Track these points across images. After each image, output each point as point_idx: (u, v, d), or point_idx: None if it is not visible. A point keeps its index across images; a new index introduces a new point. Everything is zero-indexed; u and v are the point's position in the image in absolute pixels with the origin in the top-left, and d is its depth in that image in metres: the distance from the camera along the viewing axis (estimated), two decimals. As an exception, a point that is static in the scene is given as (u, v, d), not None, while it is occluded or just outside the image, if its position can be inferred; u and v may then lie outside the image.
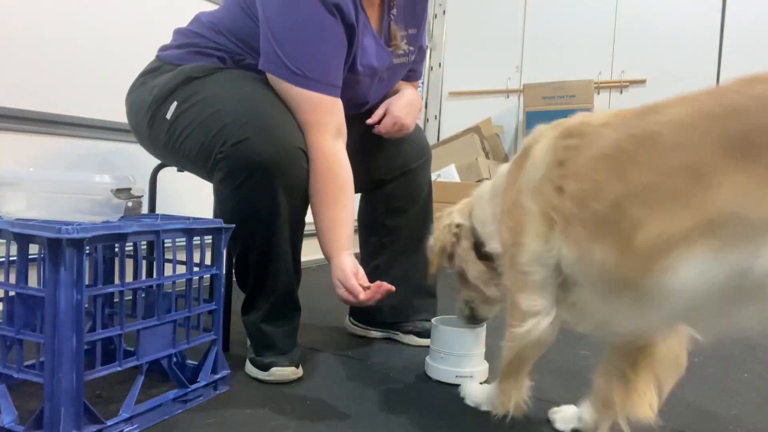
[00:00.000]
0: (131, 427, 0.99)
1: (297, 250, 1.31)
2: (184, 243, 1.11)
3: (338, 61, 1.28)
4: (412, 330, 1.63)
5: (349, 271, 1.22)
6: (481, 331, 1.36)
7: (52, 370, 0.87)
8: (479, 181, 3.21)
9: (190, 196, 2.01)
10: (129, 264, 1.01)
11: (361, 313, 1.68)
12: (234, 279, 1.37)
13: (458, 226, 1.23)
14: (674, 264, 0.77)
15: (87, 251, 0.91)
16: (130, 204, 1.08)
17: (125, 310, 0.99)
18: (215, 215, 1.33)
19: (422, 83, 3.95)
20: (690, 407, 1.25)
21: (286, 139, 1.20)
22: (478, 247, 1.20)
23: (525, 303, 0.99)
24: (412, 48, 1.50)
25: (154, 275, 1.06)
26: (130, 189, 1.08)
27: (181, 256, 1.15)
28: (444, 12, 3.98)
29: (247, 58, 1.34)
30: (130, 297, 1.03)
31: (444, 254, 1.25)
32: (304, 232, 1.34)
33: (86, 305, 0.92)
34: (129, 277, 1.00)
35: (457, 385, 1.30)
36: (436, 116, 4.01)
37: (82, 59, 1.82)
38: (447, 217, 1.26)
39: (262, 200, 1.21)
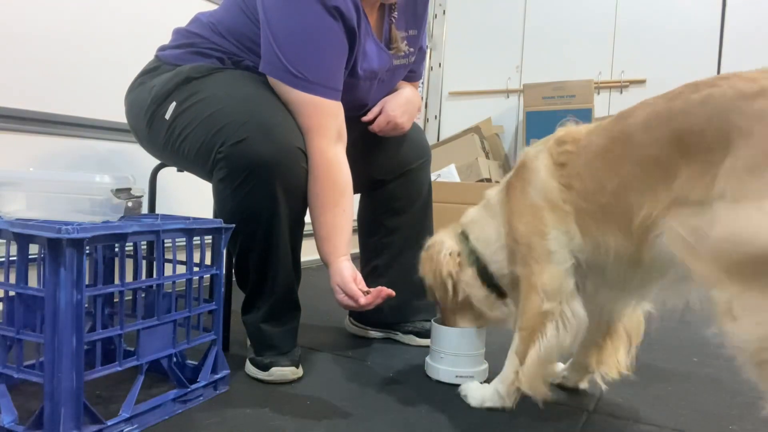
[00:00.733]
0: (131, 427, 0.99)
1: (297, 250, 1.31)
2: (184, 243, 1.11)
3: (339, 64, 1.28)
4: (411, 330, 1.63)
5: (349, 276, 1.22)
6: (482, 331, 1.36)
7: (52, 370, 0.87)
8: (479, 181, 3.22)
9: (190, 196, 2.01)
10: (129, 264, 1.01)
11: (361, 313, 1.68)
12: (234, 279, 1.37)
13: (459, 254, 1.28)
14: (657, 236, 0.95)
15: (87, 251, 0.91)
16: (130, 204, 1.08)
17: (125, 310, 0.99)
18: (215, 215, 1.34)
19: (422, 83, 3.95)
20: (690, 407, 1.25)
21: (285, 139, 1.20)
22: (481, 272, 1.26)
23: (552, 286, 1.08)
24: (412, 49, 1.50)
25: (154, 275, 1.06)
26: (130, 189, 1.08)
27: (181, 256, 1.15)
28: (444, 12, 3.98)
29: (245, 59, 1.34)
30: (130, 297, 1.03)
31: (452, 281, 1.27)
32: (304, 232, 1.34)
33: (86, 305, 0.92)
34: (129, 277, 1.00)
35: (458, 385, 1.30)
36: (436, 116, 4.01)
37: (82, 59, 1.82)
38: (440, 247, 1.29)
39: (262, 200, 1.21)
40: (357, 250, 1.73)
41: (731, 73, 0.88)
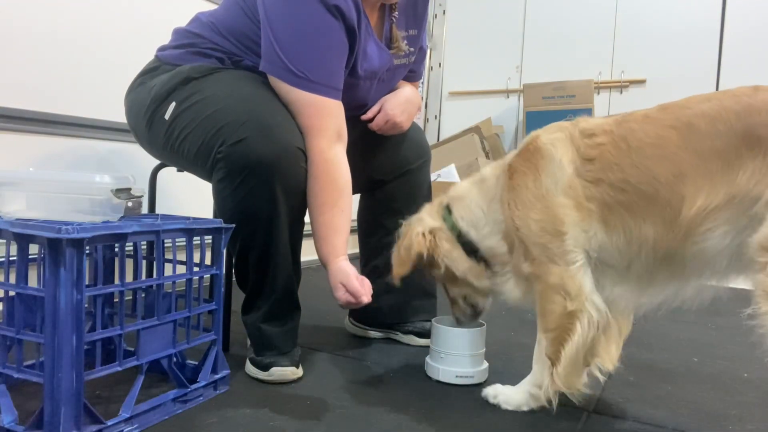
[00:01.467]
0: (131, 427, 0.99)
1: (297, 250, 1.31)
2: (184, 243, 1.11)
3: (340, 64, 1.28)
4: (411, 330, 1.63)
5: (352, 274, 1.22)
6: (482, 330, 1.36)
7: (52, 370, 0.87)
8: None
9: (190, 196, 2.01)
10: (129, 264, 1.01)
11: (361, 313, 1.68)
12: (234, 279, 1.37)
13: (431, 231, 1.27)
14: (708, 230, 0.97)
15: (87, 251, 0.91)
16: (130, 204, 1.08)
17: (125, 310, 0.99)
18: (215, 215, 1.34)
19: (422, 83, 3.95)
20: (690, 407, 1.25)
21: (284, 138, 1.20)
22: (465, 247, 1.25)
23: (574, 286, 1.08)
24: (412, 49, 1.50)
25: (154, 275, 1.06)
26: (130, 189, 1.08)
27: (181, 256, 1.15)
28: (444, 12, 3.98)
29: (245, 59, 1.33)
30: (130, 297, 1.03)
31: (420, 260, 1.27)
32: (304, 232, 1.34)
33: (86, 305, 0.92)
34: (129, 277, 1.00)
35: (458, 385, 1.31)
36: (436, 116, 4.01)
37: (82, 59, 1.82)
38: (417, 224, 1.29)
39: (261, 200, 1.20)
40: (356, 250, 1.73)
41: None
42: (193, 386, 1.13)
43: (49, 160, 1.76)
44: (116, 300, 1.01)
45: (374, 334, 1.68)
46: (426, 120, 4.02)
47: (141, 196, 1.12)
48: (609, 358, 1.22)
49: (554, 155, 1.10)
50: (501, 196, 1.19)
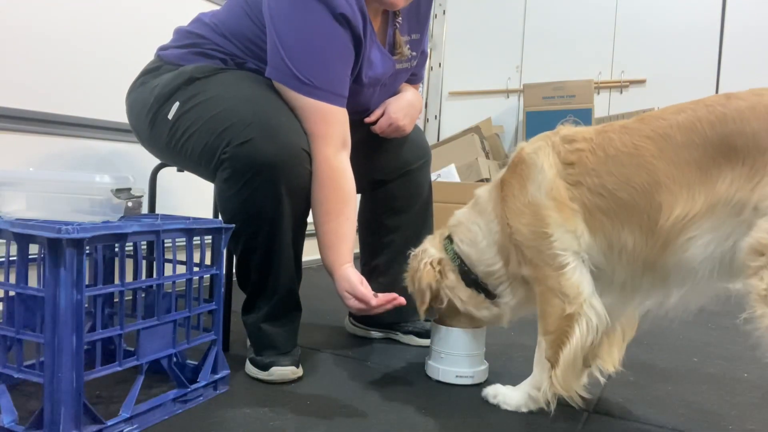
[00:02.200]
0: (131, 427, 0.99)
1: (299, 250, 1.32)
2: (184, 243, 1.11)
3: (346, 71, 1.28)
4: (412, 330, 1.63)
5: (356, 281, 1.22)
6: (482, 331, 1.36)
7: (52, 370, 0.87)
8: (479, 181, 3.21)
9: (190, 196, 2.01)
10: (129, 264, 1.01)
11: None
12: (234, 279, 1.37)
13: (440, 261, 1.30)
14: (688, 239, 0.98)
15: (87, 251, 0.91)
16: (130, 204, 1.08)
17: (125, 310, 0.99)
18: (215, 215, 1.34)
19: (422, 83, 3.95)
20: (690, 407, 1.25)
21: (290, 140, 1.20)
22: (465, 277, 1.28)
23: (572, 288, 1.08)
24: (414, 53, 1.50)
25: (154, 275, 1.06)
26: (130, 189, 1.08)
27: (181, 256, 1.15)
28: (444, 12, 3.98)
29: (248, 62, 1.33)
30: (130, 297, 1.03)
31: (430, 292, 1.29)
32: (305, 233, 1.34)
33: (86, 305, 0.92)
34: (129, 277, 1.00)
35: (458, 385, 1.30)
36: (436, 116, 4.01)
37: (82, 59, 1.82)
38: (423, 255, 1.32)
39: (266, 200, 1.21)
40: (357, 250, 1.73)
41: (764, 88, 0.95)
42: (193, 386, 1.13)
43: (49, 160, 1.76)
44: (116, 300, 1.01)
45: (374, 334, 1.68)
46: (426, 120, 4.02)
47: (141, 196, 1.12)
48: (611, 360, 1.22)
49: (536, 162, 1.13)
50: (494, 210, 1.21)
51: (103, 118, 1.87)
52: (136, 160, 1.90)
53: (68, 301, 0.87)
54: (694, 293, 1.03)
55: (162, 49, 1.43)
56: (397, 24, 1.42)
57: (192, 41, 1.36)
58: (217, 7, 1.45)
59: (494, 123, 3.71)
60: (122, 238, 0.96)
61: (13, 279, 0.95)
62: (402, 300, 1.22)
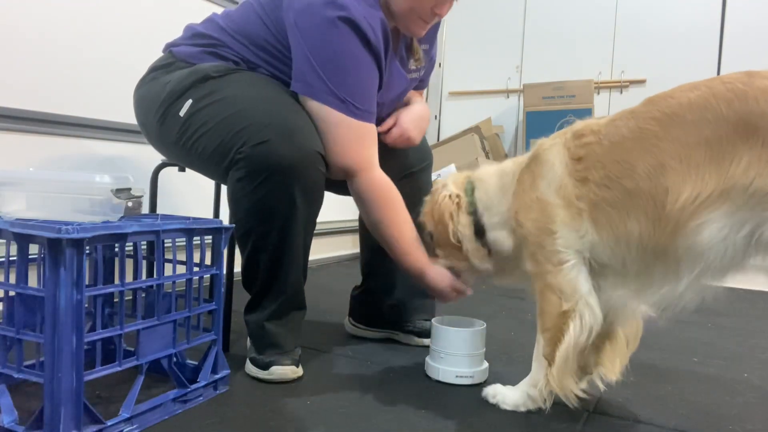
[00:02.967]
0: (131, 427, 0.99)
1: (307, 251, 1.32)
2: (184, 243, 1.11)
3: (374, 91, 1.32)
4: (412, 330, 1.63)
5: (449, 276, 1.31)
6: (482, 331, 1.36)
7: (52, 370, 0.87)
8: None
9: (191, 196, 2.01)
10: (129, 264, 1.01)
11: (361, 313, 1.69)
12: (236, 279, 1.37)
13: (459, 197, 1.29)
14: (700, 224, 0.93)
15: (87, 251, 0.91)
16: (129, 204, 1.08)
17: (125, 310, 0.99)
18: (214, 215, 1.34)
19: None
20: (690, 407, 1.25)
21: (306, 142, 1.21)
22: (476, 227, 1.27)
23: (569, 286, 1.08)
24: (423, 63, 1.52)
25: (154, 275, 1.06)
26: (130, 189, 1.08)
27: (181, 256, 1.15)
28: (444, 12, 3.98)
29: (261, 66, 1.34)
30: (130, 297, 1.03)
31: (452, 223, 1.28)
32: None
33: (86, 305, 0.92)
34: (129, 277, 1.00)
35: (457, 385, 1.30)
36: (436, 116, 4.01)
37: (83, 59, 1.82)
38: (444, 190, 1.31)
39: (279, 201, 1.21)
40: (358, 249, 1.73)
41: None
42: (193, 386, 1.13)
43: (49, 160, 1.76)
44: (116, 300, 1.01)
45: (374, 334, 1.68)
46: (426, 120, 4.01)
47: (141, 196, 1.12)
48: (612, 368, 1.22)
49: (549, 159, 1.12)
50: (509, 189, 1.21)
51: (103, 118, 1.87)
52: (137, 160, 1.90)
53: (68, 301, 0.87)
54: (709, 279, 0.99)
55: (173, 45, 1.42)
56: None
57: (206, 41, 1.36)
58: (220, 8, 1.45)
59: (494, 123, 3.71)
60: (122, 238, 0.96)
61: (13, 279, 0.95)
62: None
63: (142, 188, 1.15)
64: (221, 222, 1.18)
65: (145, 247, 1.25)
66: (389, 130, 1.48)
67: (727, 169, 0.90)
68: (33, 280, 0.98)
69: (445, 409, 1.18)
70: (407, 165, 1.61)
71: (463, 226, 1.27)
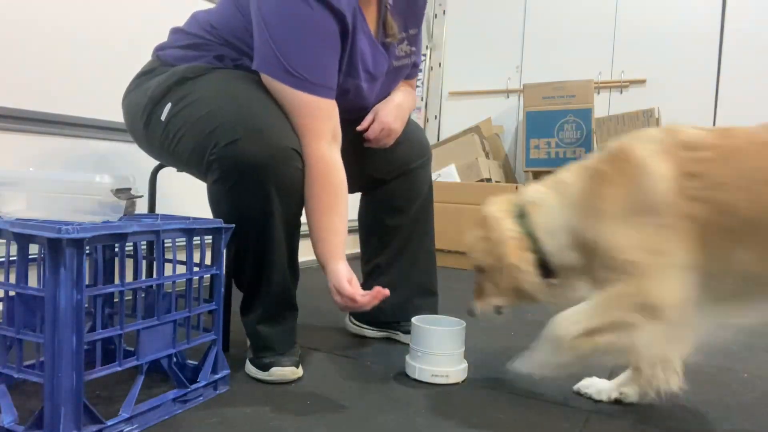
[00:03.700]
0: (131, 427, 0.99)
1: (293, 250, 1.31)
2: (184, 243, 1.11)
3: (335, 63, 1.27)
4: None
5: (343, 278, 1.20)
6: (460, 330, 1.34)
7: (52, 370, 0.87)
8: (479, 181, 3.21)
9: (190, 196, 2.01)
10: (129, 264, 1.01)
11: (361, 313, 1.68)
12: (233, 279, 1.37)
13: (521, 238, 1.18)
14: None
15: (87, 251, 0.91)
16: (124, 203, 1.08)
17: (125, 310, 0.99)
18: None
19: (422, 83, 3.95)
20: (690, 407, 1.25)
21: (277, 139, 1.19)
22: (538, 261, 1.18)
23: (671, 298, 1.03)
24: (414, 48, 1.50)
25: (154, 275, 1.06)
26: (130, 189, 1.08)
27: (181, 256, 1.15)
28: (444, 12, 3.98)
29: (244, 60, 1.33)
30: (130, 297, 1.03)
31: (498, 261, 1.19)
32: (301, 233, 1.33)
33: (86, 305, 0.92)
34: (129, 277, 1.00)
35: (457, 385, 1.30)
36: (436, 116, 4.01)
37: (82, 59, 1.82)
38: (499, 227, 1.20)
39: (255, 201, 1.20)
40: (357, 249, 1.73)
41: None
42: (193, 386, 1.13)
43: (49, 160, 1.76)
44: (116, 300, 1.01)
45: (374, 333, 1.68)
46: (426, 120, 4.02)
47: (141, 196, 1.12)
48: (674, 377, 1.15)
49: (651, 168, 1.02)
50: (580, 202, 1.11)
51: (103, 117, 1.87)
52: (136, 160, 1.89)
53: (68, 301, 0.87)
54: None
55: (160, 48, 1.42)
56: (388, 5, 1.41)
57: (190, 41, 1.36)
58: (214, 6, 1.45)
59: (494, 123, 3.71)
60: (122, 238, 0.96)
61: (13, 279, 0.95)
62: (386, 292, 1.18)
63: (142, 188, 1.14)
64: (221, 222, 1.18)
65: (145, 247, 1.26)
66: (369, 127, 1.47)
67: None
68: (33, 280, 0.98)
69: (445, 409, 1.18)
70: (405, 161, 1.60)
71: (524, 263, 1.17)
